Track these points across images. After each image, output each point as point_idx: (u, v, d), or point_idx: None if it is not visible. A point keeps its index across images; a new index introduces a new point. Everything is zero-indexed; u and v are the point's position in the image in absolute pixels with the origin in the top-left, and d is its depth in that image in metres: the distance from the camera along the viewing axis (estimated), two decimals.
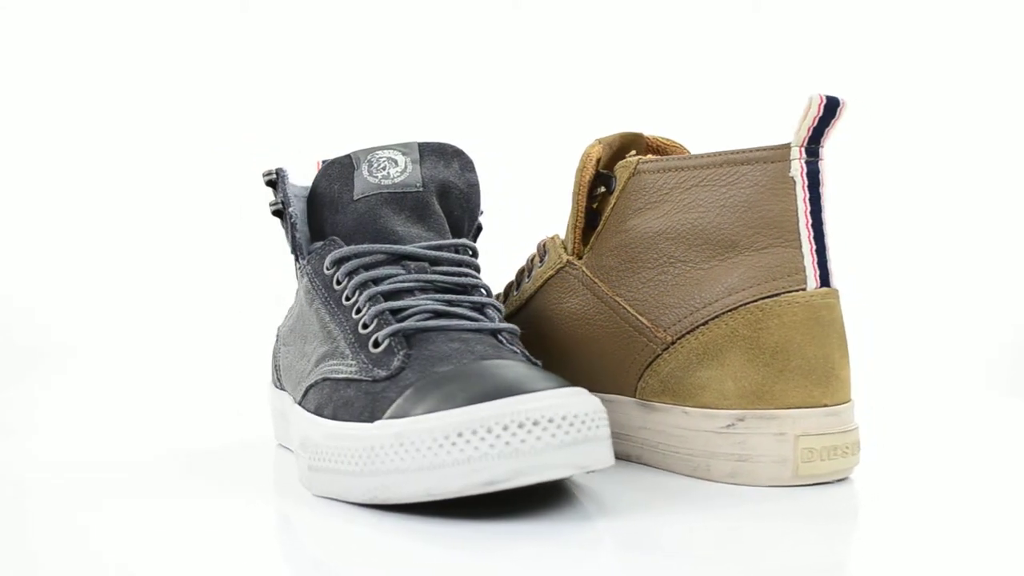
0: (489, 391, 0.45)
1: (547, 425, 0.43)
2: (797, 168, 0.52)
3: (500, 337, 0.53)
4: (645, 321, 0.56)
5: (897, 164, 1.14)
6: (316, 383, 0.54)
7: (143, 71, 1.16)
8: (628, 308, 0.57)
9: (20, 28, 1.14)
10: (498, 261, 0.68)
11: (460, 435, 0.43)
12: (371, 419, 0.48)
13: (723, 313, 0.53)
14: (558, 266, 0.61)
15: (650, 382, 0.56)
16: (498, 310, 0.55)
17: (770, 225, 0.53)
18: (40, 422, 0.79)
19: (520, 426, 0.43)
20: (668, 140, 0.63)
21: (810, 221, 0.52)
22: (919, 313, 1.08)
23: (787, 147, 0.53)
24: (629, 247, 0.57)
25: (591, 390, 0.60)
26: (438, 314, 0.53)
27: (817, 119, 0.52)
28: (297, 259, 0.61)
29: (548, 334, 0.62)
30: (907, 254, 1.12)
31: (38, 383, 0.96)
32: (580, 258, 0.60)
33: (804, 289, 0.52)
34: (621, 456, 0.60)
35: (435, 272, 0.56)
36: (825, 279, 0.53)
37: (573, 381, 0.61)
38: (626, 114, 0.74)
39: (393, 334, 0.51)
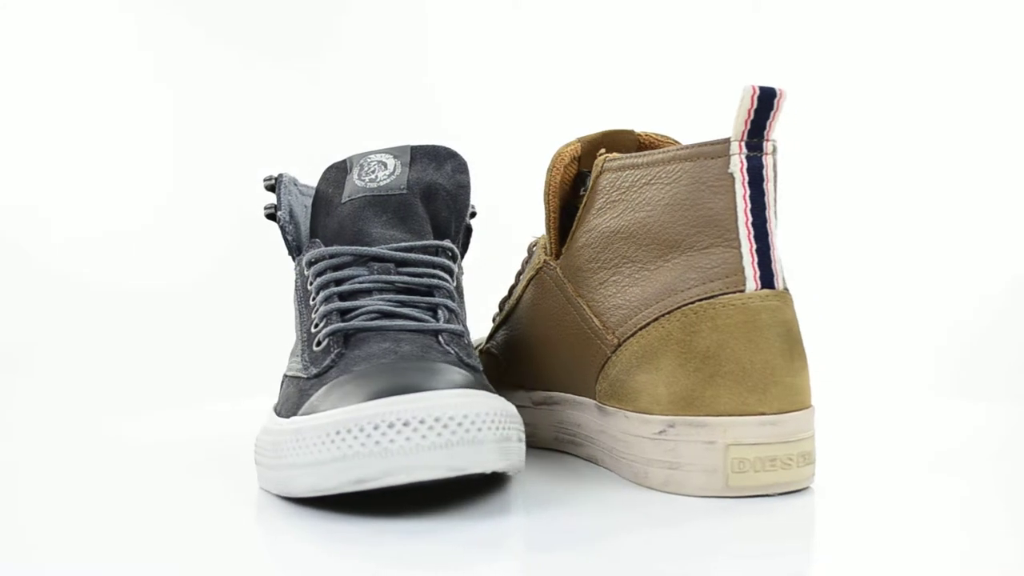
0: (381, 390, 0.46)
1: (418, 426, 0.44)
2: (736, 164, 0.50)
3: (440, 338, 0.53)
4: (598, 323, 0.55)
5: (853, 167, 1.14)
6: (282, 380, 0.57)
7: (171, 75, 1.19)
8: (587, 309, 0.56)
9: (24, 30, 1.16)
10: (509, 262, 0.68)
11: (338, 433, 0.45)
12: (293, 415, 0.50)
13: (661, 316, 0.51)
14: (537, 267, 0.61)
15: (603, 385, 0.55)
16: (452, 311, 0.55)
17: (710, 224, 0.51)
18: (39, 422, 0.82)
19: (390, 426, 0.44)
20: (661, 136, 0.62)
21: (750, 219, 0.50)
22: (876, 316, 1.07)
23: (726, 142, 0.50)
24: (591, 247, 0.56)
25: (563, 392, 0.60)
26: (384, 314, 0.54)
27: (753, 111, 0.49)
28: (294, 261, 0.64)
29: (529, 335, 0.62)
30: (871, 257, 1.11)
31: (38, 383, 0.99)
32: (557, 259, 0.59)
33: (742, 291, 0.50)
34: (587, 459, 0.59)
35: (400, 273, 0.57)
36: (768, 281, 0.50)
37: (547, 383, 0.61)
38: (633, 114, 0.73)
39: (332, 333, 0.53)
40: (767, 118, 0.49)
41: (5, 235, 1.11)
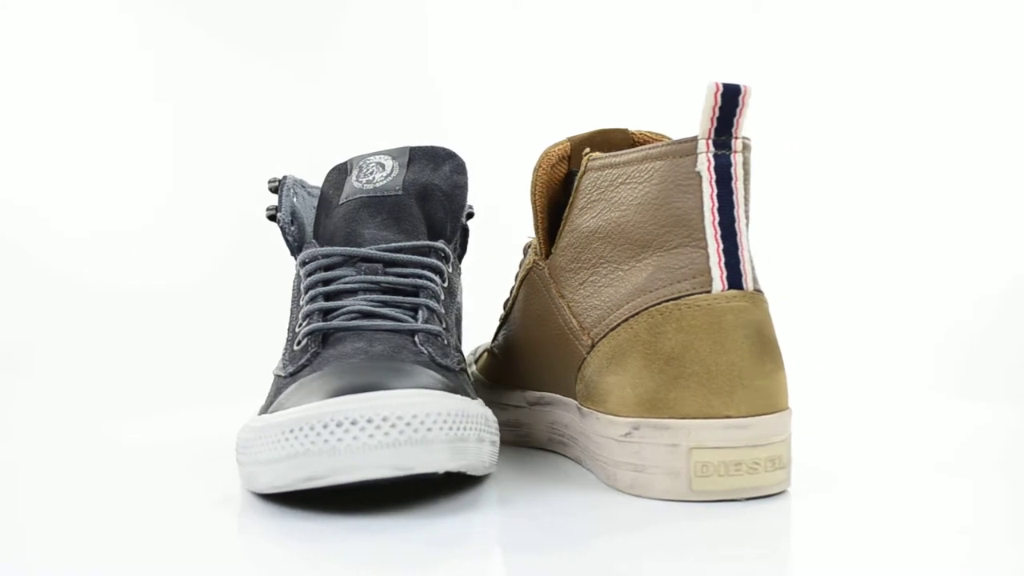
0: (339, 389, 0.46)
1: (365, 425, 0.44)
2: (704, 162, 0.49)
3: (416, 338, 0.54)
4: (576, 323, 0.55)
5: (855, 171, 1.13)
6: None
7: (188, 78, 1.19)
8: (567, 310, 0.56)
9: (24, 30, 1.16)
10: (510, 263, 0.68)
11: (292, 431, 0.45)
12: (264, 413, 0.51)
13: (631, 316, 0.51)
14: (528, 267, 0.61)
15: (580, 386, 0.55)
16: (433, 311, 0.56)
17: (679, 223, 0.50)
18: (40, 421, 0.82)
19: (339, 425, 0.44)
20: (654, 134, 0.61)
21: (717, 219, 0.49)
22: (875, 316, 1.07)
23: (695, 140, 0.49)
24: (574, 247, 0.56)
25: (552, 393, 0.60)
26: (364, 314, 0.55)
27: (717, 108, 0.48)
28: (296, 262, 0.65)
29: (521, 336, 0.62)
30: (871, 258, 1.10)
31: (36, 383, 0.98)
32: (546, 259, 0.59)
33: (708, 292, 0.49)
34: (574, 460, 0.59)
35: (387, 273, 0.58)
36: (735, 281, 0.49)
37: (539, 384, 0.61)
38: (635, 114, 0.72)
39: (310, 333, 0.54)
40: (733, 115, 0.48)
41: (5, 235, 1.11)
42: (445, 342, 0.55)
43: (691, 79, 1.14)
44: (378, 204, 0.61)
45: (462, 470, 0.47)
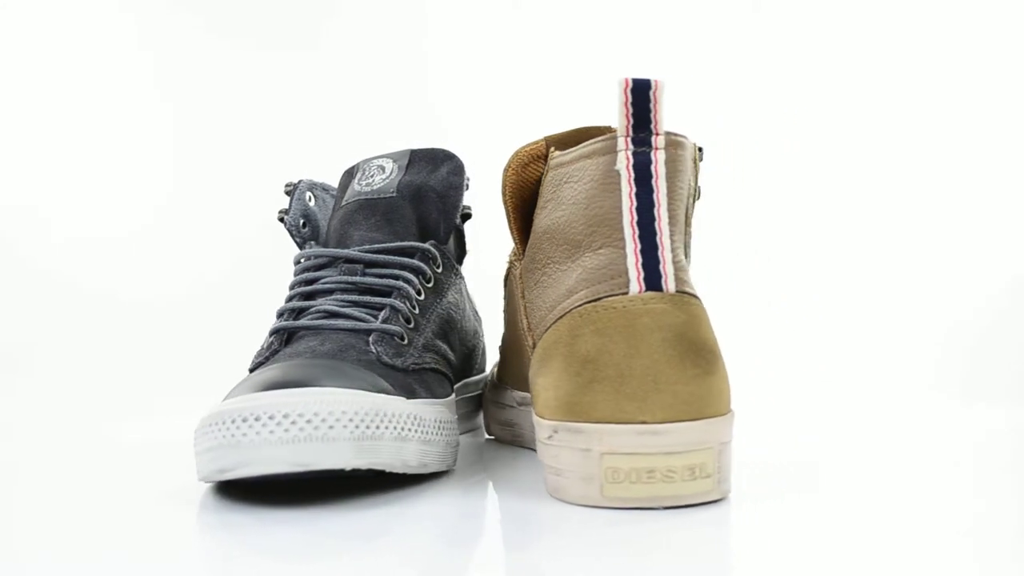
0: (262, 385, 0.48)
1: (267, 421, 0.46)
2: (623, 160, 0.48)
3: (370, 337, 0.55)
4: (526, 324, 0.54)
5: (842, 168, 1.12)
6: None
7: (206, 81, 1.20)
8: (523, 310, 0.56)
9: (24, 30, 1.19)
10: None
11: (212, 425, 0.48)
12: None
13: (559, 318, 0.50)
14: (507, 268, 0.61)
15: (528, 387, 0.54)
16: (398, 311, 0.57)
17: (602, 223, 0.49)
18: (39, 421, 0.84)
19: (244, 420, 0.46)
20: None
21: (635, 218, 0.48)
22: (873, 317, 1.06)
23: (615, 137, 0.48)
24: (532, 247, 0.56)
25: (527, 393, 0.60)
26: (330, 314, 0.57)
27: (630, 105, 0.47)
28: None
29: (506, 336, 0.63)
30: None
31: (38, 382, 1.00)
32: (521, 259, 0.59)
33: (625, 293, 0.47)
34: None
35: (367, 274, 0.59)
36: (654, 283, 0.47)
37: (522, 384, 0.61)
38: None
39: (275, 331, 0.57)
40: (648, 111, 0.47)
41: (6, 236, 1.12)
42: (405, 341, 0.56)
43: (692, 79, 1.13)
44: (373, 206, 0.63)
45: (374, 467, 0.48)
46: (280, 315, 0.58)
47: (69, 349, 1.06)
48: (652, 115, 0.47)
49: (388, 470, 0.49)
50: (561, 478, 0.48)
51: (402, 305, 0.57)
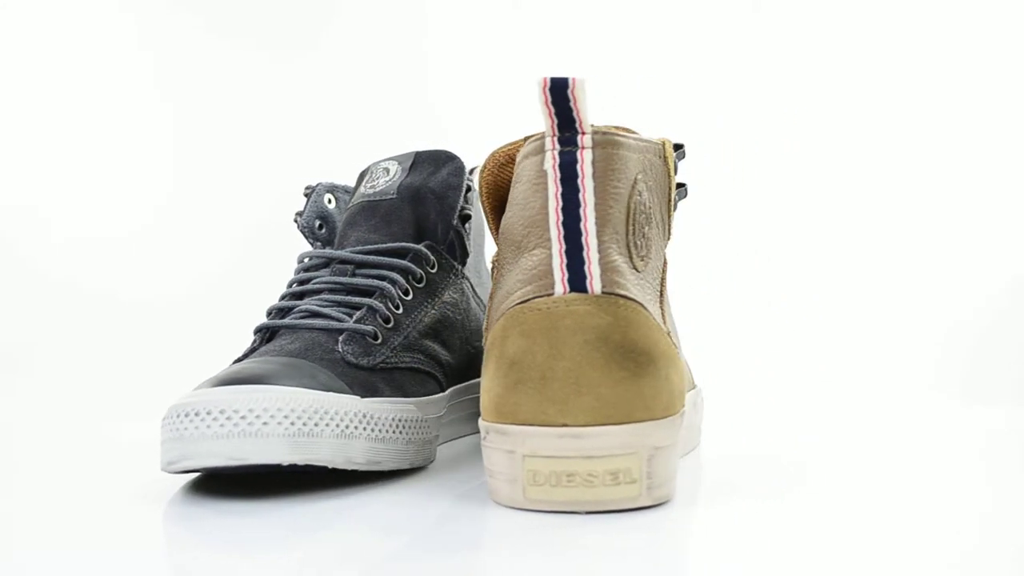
0: (216, 381, 0.51)
1: (205, 416, 0.48)
2: (549, 160, 0.47)
3: (340, 337, 0.57)
4: (485, 324, 0.55)
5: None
6: None
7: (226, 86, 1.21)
8: (486, 311, 0.56)
9: (25, 30, 1.19)
10: None
11: (165, 419, 0.51)
12: None
13: (498, 319, 0.50)
14: (491, 269, 0.61)
15: None
16: (375, 311, 0.58)
17: (535, 224, 0.49)
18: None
19: (186, 415, 0.49)
20: (616, 128, 0.59)
21: (561, 219, 0.47)
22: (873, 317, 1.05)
23: (543, 137, 0.48)
24: (497, 249, 0.56)
25: None
26: (312, 314, 0.59)
27: (550, 104, 0.46)
28: None
29: None
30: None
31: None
32: None
33: (550, 295, 0.47)
34: None
35: (356, 275, 0.61)
36: (578, 284, 0.47)
37: None
38: (641, 113, 0.69)
39: (259, 329, 0.59)
40: (570, 110, 0.46)
41: (7, 237, 1.13)
42: (378, 340, 0.57)
43: (693, 80, 1.14)
44: (374, 208, 0.64)
45: (312, 464, 0.49)
46: (268, 314, 0.60)
47: (69, 349, 1.07)
48: (575, 114, 0.46)
49: (331, 466, 0.50)
50: (493, 479, 0.49)
51: (380, 305, 0.59)
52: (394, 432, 0.54)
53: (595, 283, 0.47)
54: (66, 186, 1.19)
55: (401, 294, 0.60)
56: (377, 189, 0.65)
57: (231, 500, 0.50)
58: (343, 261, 0.62)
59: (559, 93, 0.46)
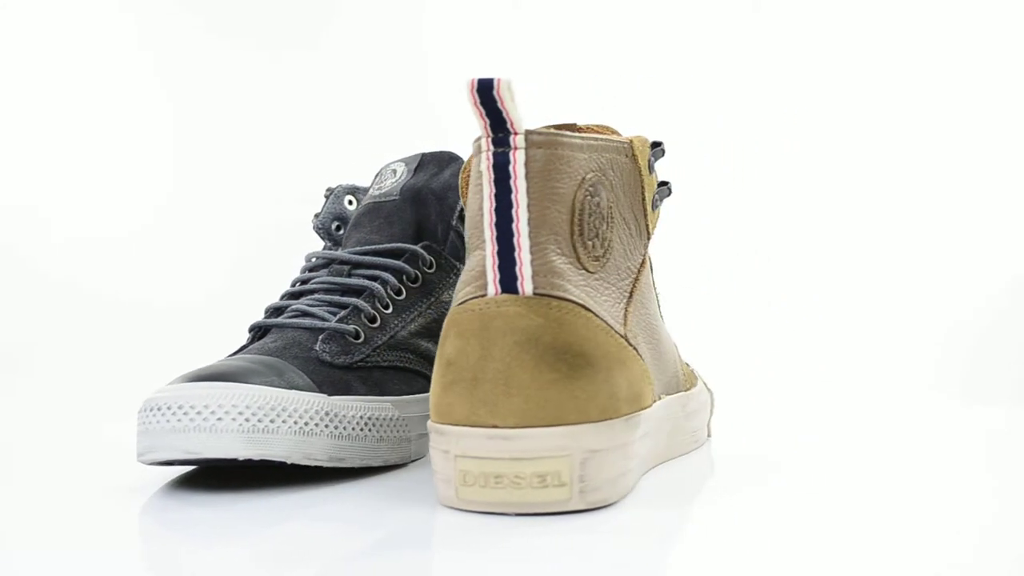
0: (187, 377, 0.53)
1: (165, 411, 0.51)
2: (484, 161, 0.47)
3: (320, 336, 0.58)
4: None
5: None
6: None
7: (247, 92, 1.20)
8: None
9: (25, 30, 1.18)
10: None
11: (139, 412, 0.53)
12: None
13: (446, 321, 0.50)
14: None
15: None
16: (360, 311, 0.60)
17: (475, 225, 0.49)
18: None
19: (150, 410, 0.51)
20: (599, 127, 0.58)
21: (494, 220, 0.47)
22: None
23: (480, 138, 0.48)
24: None
25: None
26: (302, 313, 0.61)
27: (480, 105, 0.46)
28: None
29: None
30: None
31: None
32: None
33: (484, 296, 0.47)
34: None
35: (352, 275, 0.63)
36: (509, 286, 0.47)
37: None
38: (643, 113, 0.68)
39: (252, 328, 0.61)
40: (499, 111, 0.46)
41: (8, 237, 1.12)
42: (360, 339, 0.59)
43: (695, 79, 1.13)
44: (378, 209, 0.66)
45: (267, 458, 0.51)
46: (266, 312, 0.62)
47: (69, 349, 1.07)
48: (504, 114, 0.46)
49: (289, 461, 0.52)
50: (435, 478, 0.49)
51: (366, 305, 0.60)
52: (362, 430, 0.55)
53: (526, 284, 0.46)
54: (66, 186, 1.19)
55: (393, 294, 0.61)
56: (383, 190, 0.66)
57: (205, 492, 0.52)
58: (341, 261, 0.63)
59: (486, 94, 0.46)
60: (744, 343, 0.97)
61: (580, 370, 0.46)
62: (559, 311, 0.47)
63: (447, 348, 0.48)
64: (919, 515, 0.46)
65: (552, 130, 0.48)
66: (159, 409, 0.51)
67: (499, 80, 0.45)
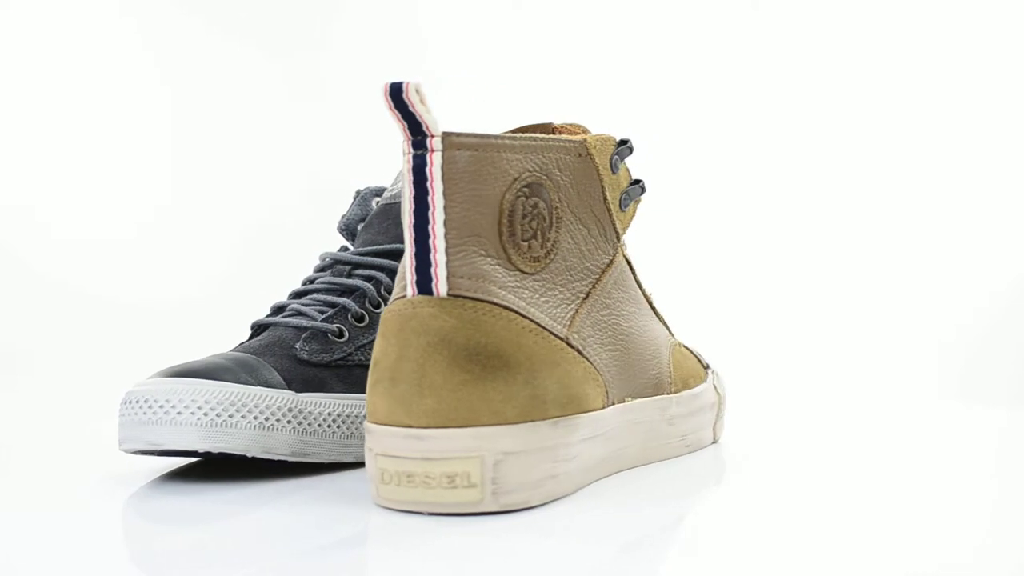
0: (164, 372, 0.56)
1: (132, 404, 0.54)
2: (405, 164, 0.48)
3: (303, 335, 0.60)
4: None
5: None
6: None
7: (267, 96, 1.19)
8: None
9: (25, 30, 1.18)
10: None
11: (120, 404, 0.57)
12: None
13: None
14: None
15: None
16: (347, 310, 0.61)
17: (404, 227, 0.49)
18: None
19: (126, 403, 0.55)
20: (572, 126, 0.58)
21: (413, 221, 0.48)
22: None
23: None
24: None
25: None
26: (296, 312, 0.63)
27: (394, 108, 0.47)
28: None
29: None
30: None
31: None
32: None
33: (404, 297, 0.48)
34: None
35: (351, 276, 0.65)
36: (424, 287, 0.47)
37: None
38: (645, 113, 0.67)
39: (252, 326, 0.64)
40: (412, 114, 0.47)
41: (9, 238, 1.12)
42: (343, 338, 0.60)
43: (695, 79, 1.11)
44: (388, 211, 0.67)
45: (226, 452, 0.53)
46: (270, 311, 0.65)
47: (69, 349, 1.07)
48: (417, 117, 0.46)
49: (249, 455, 0.54)
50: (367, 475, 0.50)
51: (354, 304, 0.61)
52: (330, 426, 0.57)
53: (440, 285, 0.47)
54: (66, 186, 1.20)
55: (385, 293, 0.63)
56: (394, 192, 0.68)
57: (192, 483, 0.55)
58: (344, 262, 0.65)
59: (397, 98, 0.46)
60: (742, 344, 0.94)
61: (495, 371, 0.46)
62: (475, 312, 0.47)
63: (375, 348, 0.49)
64: (918, 515, 0.46)
65: (472, 133, 0.48)
66: (133, 402, 0.54)
67: (407, 84, 0.46)
